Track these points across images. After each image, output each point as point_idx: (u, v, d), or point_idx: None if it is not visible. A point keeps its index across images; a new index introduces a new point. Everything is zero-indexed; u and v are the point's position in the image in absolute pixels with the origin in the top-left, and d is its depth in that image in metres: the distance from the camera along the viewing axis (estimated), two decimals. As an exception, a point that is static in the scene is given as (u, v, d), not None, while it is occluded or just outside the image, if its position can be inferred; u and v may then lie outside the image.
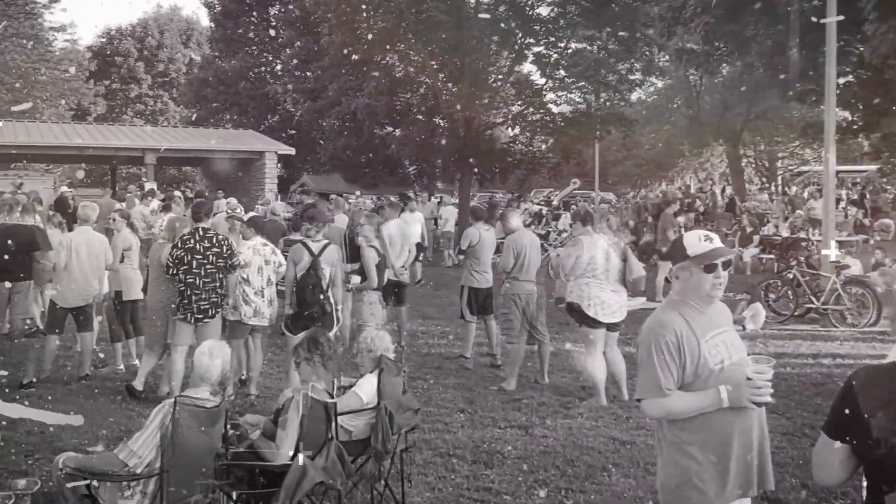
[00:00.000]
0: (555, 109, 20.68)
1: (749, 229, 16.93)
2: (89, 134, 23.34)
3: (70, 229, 9.16)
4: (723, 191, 29.56)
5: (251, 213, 9.38)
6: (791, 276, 10.75)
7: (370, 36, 19.00)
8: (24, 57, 30.23)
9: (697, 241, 2.78)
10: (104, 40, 44.63)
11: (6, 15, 27.53)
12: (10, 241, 7.70)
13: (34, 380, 7.13)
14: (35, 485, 3.62)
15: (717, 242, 2.79)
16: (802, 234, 15.43)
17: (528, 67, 20.90)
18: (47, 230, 8.48)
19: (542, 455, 5.31)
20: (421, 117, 21.09)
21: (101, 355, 7.99)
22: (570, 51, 19.39)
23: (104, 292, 7.60)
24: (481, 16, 15.60)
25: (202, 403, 3.88)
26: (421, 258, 14.71)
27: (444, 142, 19.64)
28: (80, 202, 8.97)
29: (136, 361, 7.53)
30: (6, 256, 7.67)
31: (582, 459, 5.22)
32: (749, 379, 2.60)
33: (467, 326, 8.03)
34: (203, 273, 6.36)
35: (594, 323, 6.41)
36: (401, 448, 4.26)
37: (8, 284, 7.80)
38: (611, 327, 6.53)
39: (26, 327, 8.66)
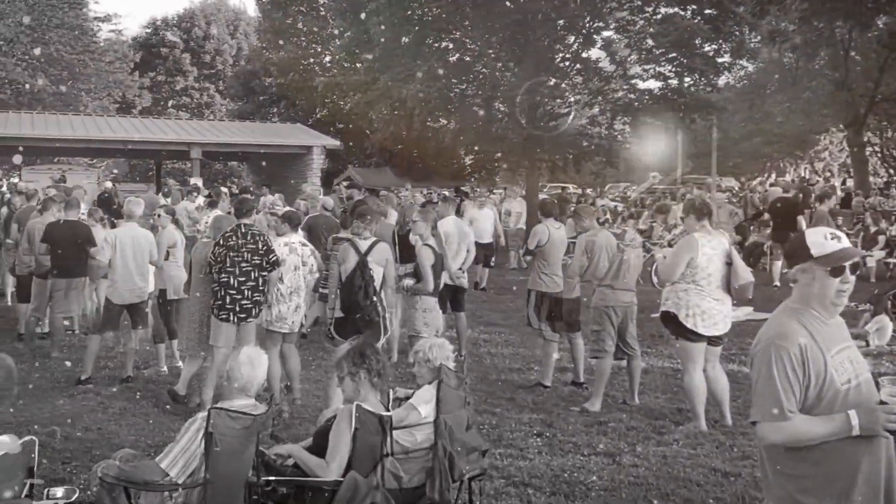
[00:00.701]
0: (631, 96, 20.12)
1: (873, 229, 15.70)
2: (134, 127, 24.05)
3: (113, 225, 9.40)
4: (843, 183, 28.05)
5: (287, 209, 9.41)
6: (924, 283, 10.07)
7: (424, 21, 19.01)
8: (68, 48, 31.39)
9: (823, 239, 2.56)
10: (149, 31, 46.05)
11: (50, 5, 28.65)
12: (62, 238, 7.95)
13: (84, 378, 7.35)
14: (73, 493, 3.64)
15: (846, 242, 2.57)
16: (937, 235, 14.49)
17: (596, 53, 20.51)
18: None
19: (632, 487, 5.06)
20: (478, 109, 20.93)
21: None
22: (649, 30, 18.84)
23: (149, 290, 7.75)
24: None
25: (250, 411, 3.85)
26: (493, 263, 14.24)
27: (505, 129, 19.32)
28: (126, 197, 9.20)
29: (180, 363, 7.63)
30: (59, 252, 7.95)
31: (678, 493, 4.95)
32: (883, 403, 2.39)
33: (546, 347, 7.51)
34: (239, 271, 6.37)
35: (693, 336, 5.99)
36: (469, 475, 4.09)
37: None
38: (712, 341, 6.11)
39: (66, 328, 8.91)
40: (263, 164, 24.96)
